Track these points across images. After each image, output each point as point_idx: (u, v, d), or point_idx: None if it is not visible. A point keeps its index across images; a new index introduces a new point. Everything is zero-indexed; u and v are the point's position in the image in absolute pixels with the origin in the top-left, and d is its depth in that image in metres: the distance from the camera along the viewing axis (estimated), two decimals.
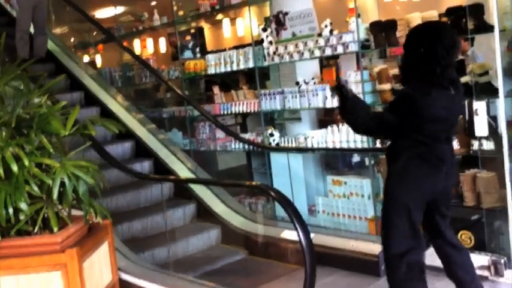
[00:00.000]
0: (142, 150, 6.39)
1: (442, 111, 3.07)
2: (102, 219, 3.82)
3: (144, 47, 10.23)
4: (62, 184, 3.46)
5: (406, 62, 3.21)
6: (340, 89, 3.14)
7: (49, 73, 6.06)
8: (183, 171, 6.04)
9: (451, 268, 3.38)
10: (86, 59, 9.53)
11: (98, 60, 10.40)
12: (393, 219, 3.13)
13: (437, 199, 3.25)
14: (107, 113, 6.43)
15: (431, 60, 3.02)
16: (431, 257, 3.58)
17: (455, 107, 3.21)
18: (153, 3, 9.07)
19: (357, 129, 3.35)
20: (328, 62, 7.59)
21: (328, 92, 5.25)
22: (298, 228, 3.17)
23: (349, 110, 3.13)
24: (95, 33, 8.84)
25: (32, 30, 6.92)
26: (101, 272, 3.78)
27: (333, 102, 5.24)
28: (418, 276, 3.13)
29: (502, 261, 3.82)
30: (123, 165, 5.24)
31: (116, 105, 6.94)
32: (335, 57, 6.30)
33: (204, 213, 5.67)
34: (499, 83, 3.97)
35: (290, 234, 4.66)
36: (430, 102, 3.02)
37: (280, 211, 5.49)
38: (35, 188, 3.40)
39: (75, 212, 3.74)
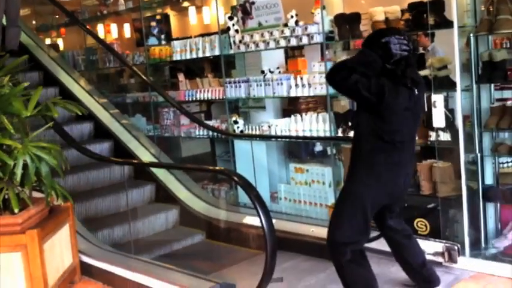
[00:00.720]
0: (104, 134, 6.38)
1: (406, 111, 3.17)
2: (64, 202, 3.81)
3: (109, 31, 10.09)
4: (24, 165, 3.44)
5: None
6: None
7: (11, 54, 5.98)
8: (146, 156, 6.04)
9: (401, 255, 3.57)
10: (48, 41, 9.33)
11: (61, 43, 10.22)
12: (348, 212, 3.25)
13: (394, 202, 3.42)
14: (68, 95, 6.36)
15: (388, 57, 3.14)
16: (385, 243, 3.71)
17: (418, 108, 3.32)
18: None
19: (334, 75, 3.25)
20: (294, 53, 7.68)
21: (293, 82, 5.32)
22: (260, 212, 3.23)
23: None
24: (57, 16, 8.68)
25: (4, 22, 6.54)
26: (61, 254, 3.77)
27: (297, 92, 5.32)
28: (361, 261, 3.27)
29: (456, 248, 3.95)
30: (83, 147, 5.19)
31: (78, 88, 6.88)
32: (300, 47, 6.40)
33: (167, 198, 5.70)
34: (457, 78, 4.10)
35: (252, 220, 4.73)
36: (395, 95, 3.11)
37: (243, 198, 5.55)
38: None
39: (36, 194, 3.72)
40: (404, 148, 3.27)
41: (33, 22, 9.03)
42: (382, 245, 3.74)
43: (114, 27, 10.33)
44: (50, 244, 3.56)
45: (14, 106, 3.58)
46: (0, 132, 3.51)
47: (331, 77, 3.23)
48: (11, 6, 6.49)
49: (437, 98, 4.18)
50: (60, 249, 3.77)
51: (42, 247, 3.42)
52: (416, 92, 3.22)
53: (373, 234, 4.09)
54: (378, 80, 3.11)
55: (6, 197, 3.44)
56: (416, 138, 4.36)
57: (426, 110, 4.38)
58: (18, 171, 3.38)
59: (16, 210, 3.38)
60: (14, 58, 4.12)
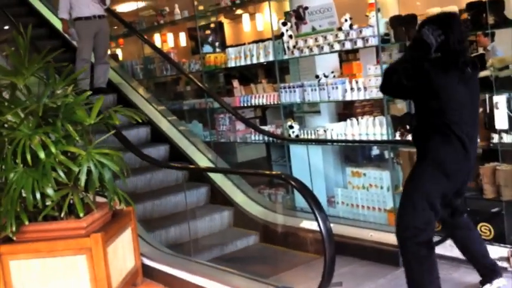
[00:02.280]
0: (162, 140, 6.57)
1: (458, 90, 3.16)
2: (126, 206, 3.92)
3: (165, 41, 10.32)
4: (88, 171, 3.57)
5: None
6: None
7: (99, 92, 6.17)
8: (203, 161, 6.13)
9: (467, 246, 3.54)
10: (108, 52, 9.63)
11: (120, 53, 10.54)
12: (416, 202, 3.20)
13: (458, 192, 3.36)
14: (127, 103, 6.56)
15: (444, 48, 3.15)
16: (448, 248, 3.63)
17: (472, 90, 3.28)
18: None
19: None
20: (348, 56, 7.62)
21: (348, 85, 5.28)
22: (318, 217, 3.21)
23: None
24: (115, 27, 8.96)
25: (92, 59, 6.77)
26: (124, 256, 3.88)
27: (352, 96, 5.28)
28: (427, 253, 3.21)
29: None
30: (143, 153, 5.32)
31: (136, 95, 7.08)
32: (355, 51, 6.35)
33: (223, 202, 5.81)
34: None
35: (309, 224, 4.72)
36: (445, 80, 3.13)
37: (300, 202, 5.55)
38: (62, 175, 3.51)
39: (99, 199, 3.85)
40: (469, 135, 3.22)
41: None
42: (444, 249, 3.66)
43: (170, 36, 10.58)
44: (113, 247, 3.67)
45: (77, 114, 3.73)
46: (65, 139, 3.64)
47: (384, 88, 3.33)
48: (100, 42, 6.62)
49: (500, 99, 4.07)
50: (123, 252, 3.88)
51: (106, 250, 3.52)
52: (470, 71, 3.21)
53: (436, 239, 4.02)
54: (418, 66, 3.12)
55: (72, 202, 3.56)
56: (478, 140, 4.29)
57: (488, 111, 4.28)
58: (83, 177, 3.51)
59: (81, 215, 3.51)
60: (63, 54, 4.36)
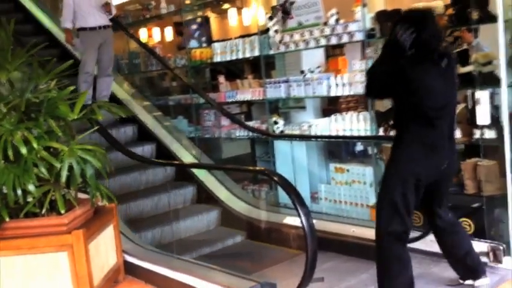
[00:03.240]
0: (147, 136, 6.49)
1: (435, 82, 3.22)
2: (108, 203, 3.91)
3: (151, 35, 10.28)
4: (70, 167, 3.54)
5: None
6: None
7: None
8: (187, 157, 6.12)
9: (445, 243, 3.57)
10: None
11: None
12: (389, 195, 3.28)
13: (438, 183, 3.38)
14: (111, 99, 6.51)
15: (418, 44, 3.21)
16: (429, 243, 3.66)
17: (449, 81, 3.33)
18: None
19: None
20: (334, 51, 7.62)
21: (333, 81, 5.29)
22: (300, 212, 3.23)
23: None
24: None
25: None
26: (106, 253, 3.86)
27: (337, 91, 5.29)
28: (401, 250, 3.30)
29: (501, 248, 3.85)
30: (128, 149, 5.31)
31: (121, 91, 7.02)
32: (340, 46, 6.35)
33: (207, 198, 5.80)
34: (502, 73, 3.99)
35: (292, 220, 4.73)
36: (421, 73, 3.19)
37: (283, 198, 5.56)
38: (44, 171, 3.48)
39: (81, 195, 3.82)
40: (443, 127, 3.30)
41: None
42: (424, 245, 3.68)
43: (156, 31, 10.51)
44: (95, 244, 3.65)
45: (60, 110, 3.69)
46: (47, 135, 3.61)
47: (368, 92, 3.44)
48: (105, 54, 6.31)
49: (482, 95, 4.10)
50: (105, 248, 3.86)
51: (88, 247, 3.51)
52: (445, 63, 3.29)
53: (416, 234, 4.06)
54: (394, 64, 3.20)
55: (53, 198, 3.54)
56: (460, 136, 4.32)
57: (470, 107, 4.30)
58: (64, 173, 3.48)
59: (62, 211, 3.48)
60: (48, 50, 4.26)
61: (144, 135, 6.57)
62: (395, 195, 3.24)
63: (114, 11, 6.47)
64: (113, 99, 6.45)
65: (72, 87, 3.92)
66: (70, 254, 3.45)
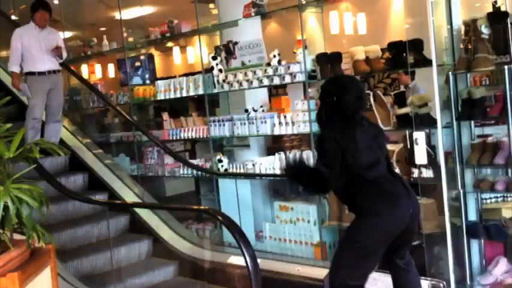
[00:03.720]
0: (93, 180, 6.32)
1: (360, 139, 3.40)
2: (45, 244, 3.74)
3: (93, 72, 10.15)
4: (5, 207, 3.39)
5: (322, 109, 3.59)
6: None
7: (47, 153, 5.74)
8: (129, 195, 5.99)
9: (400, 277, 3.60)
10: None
11: None
12: (349, 257, 3.31)
13: (401, 235, 3.40)
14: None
15: (342, 107, 3.44)
16: (372, 281, 3.68)
17: (371, 135, 3.51)
18: (103, 29, 9.04)
19: (311, 188, 3.57)
20: (277, 91, 7.77)
21: (276, 120, 5.36)
22: (244, 251, 3.21)
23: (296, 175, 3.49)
24: None
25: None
26: None
27: (281, 130, 5.36)
28: None
29: (441, 285, 3.94)
30: (59, 182, 5.14)
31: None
32: (283, 86, 6.47)
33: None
34: (437, 115, 4.17)
35: (237, 260, 4.69)
36: (347, 136, 3.39)
37: (227, 237, 5.51)
38: None
39: (17, 236, 3.65)
40: (385, 176, 3.45)
41: None
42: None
43: (98, 67, 10.40)
44: (31, 287, 3.48)
45: None
46: None
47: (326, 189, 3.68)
48: (54, 99, 6.10)
49: (419, 135, 4.24)
50: None
51: None
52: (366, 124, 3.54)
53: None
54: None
55: None
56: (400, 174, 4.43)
57: (409, 147, 4.45)
58: None
59: None
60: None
61: (81, 168, 6.38)
62: (367, 249, 3.30)
63: (65, 55, 6.30)
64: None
65: (8, 125, 3.79)
66: None
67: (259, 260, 3.31)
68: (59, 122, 6.27)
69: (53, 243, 3.75)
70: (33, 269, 3.59)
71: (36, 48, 5.99)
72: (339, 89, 3.48)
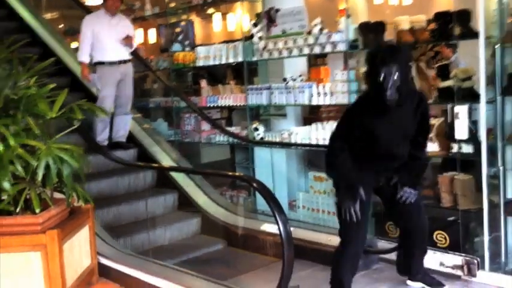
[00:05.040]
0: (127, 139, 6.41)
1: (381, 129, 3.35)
2: (84, 203, 3.85)
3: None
4: (46, 166, 3.49)
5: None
6: None
7: (117, 146, 5.85)
8: (166, 161, 6.07)
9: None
10: (75, 45, 9.47)
11: None
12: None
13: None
14: (94, 100, 6.41)
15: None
16: None
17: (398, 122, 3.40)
18: None
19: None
20: (317, 61, 7.68)
21: (315, 90, 5.32)
22: (278, 219, 3.22)
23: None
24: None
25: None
26: (80, 255, 3.81)
27: (319, 100, 5.31)
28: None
29: (475, 261, 3.89)
30: (109, 153, 5.26)
31: None
32: (323, 55, 6.39)
33: (186, 204, 5.71)
34: (481, 89, 4.05)
35: (270, 227, 4.73)
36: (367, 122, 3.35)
37: (261, 205, 5.55)
38: (19, 169, 3.43)
39: (57, 195, 3.77)
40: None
41: (61, 26, 9.18)
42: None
43: (139, 32, 10.45)
44: (69, 245, 3.60)
45: (39, 107, 3.64)
46: (25, 132, 3.56)
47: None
48: (124, 90, 5.88)
49: (461, 110, 4.15)
50: (79, 250, 3.81)
51: (62, 247, 3.45)
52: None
53: (392, 245, 4.08)
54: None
55: (28, 197, 3.48)
56: (438, 149, 4.37)
57: (449, 121, 4.36)
58: (41, 171, 3.42)
59: (37, 210, 3.43)
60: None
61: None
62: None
63: (135, 45, 6.09)
64: (94, 100, 6.35)
65: (52, 85, 3.88)
66: (43, 254, 3.39)
67: (291, 229, 3.33)
68: (129, 115, 6.04)
69: (92, 203, 3.87)
70: (72, 227, 3.72)
71: (106, 36, 5.75)
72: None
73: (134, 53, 6.23)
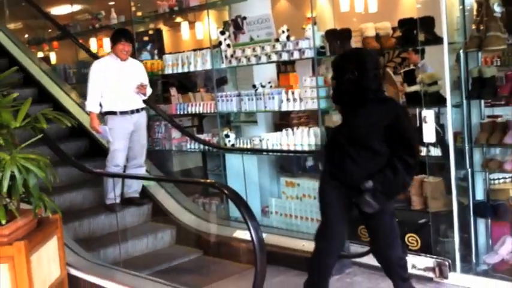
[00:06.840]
0: (97, 150, 6.32)
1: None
2: (52, 214, 3.77)
3: (101, 45, 10.09)
4: (12, 177, 3.40)
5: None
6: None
7: (130, 202, 5.53)
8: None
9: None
10: (40, 54, 9.33)
11: (53, 56, 10.21)
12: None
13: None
14: (59, 108, 6.31)
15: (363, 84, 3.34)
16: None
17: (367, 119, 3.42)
18: (111, 2, 8.98)
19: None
20: (286, 68, 7.72)
21: (284, 96, 5.33)
22: (250, 225, 3.21)
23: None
24: (50, 30, 8.69)
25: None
26: (49, 266, 3.72)
27: (288, 106, 5.33)
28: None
29: (447, 263, 3.95)
30: (75, 161, 5.17)
31: (69, 101, 6.85)
32: (292, 62, 6.43)
33: (159, 213, 5.66)
34: (447, 93, 4.13)
35: (242, 234, 4.71)
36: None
37: (233, 212, 5.52)
38: None
39: (25, 206, 3.68)
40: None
41: (25, 35, 9.03)
42: (373, 260, 3.72)
43: (106, 41, 10.33)
44: (37, 256, 3.51)
45: (2, 117, 3.55)
46: None
47: None
48: (136, 141, 5.44)
49: (428, 114, 4.20)
50: (48, 261, 3.71)
51: (30, 259, 3.36)
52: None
53: (364, 249, 4.10)
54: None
55: None
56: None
57: (417, 125, 4.42)
58: (6, 182, 3.33)
59: (3, 222, 3.33)
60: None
61: (95, 148, 6.40)
62: None
63: (149, 92, 5.65)
64: (60, 109, 6.25)
65: (15, 94, 3.79)
66: (11, 266, 3.30)
67: (264, 235, 3.33)
68: (142, 167, 5.60)
69: (60, 213, 3.79)
70: (40, 238, 3.62)
71: (117, 84, 5.34)
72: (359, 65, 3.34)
73: (146, 102, 5.76)
